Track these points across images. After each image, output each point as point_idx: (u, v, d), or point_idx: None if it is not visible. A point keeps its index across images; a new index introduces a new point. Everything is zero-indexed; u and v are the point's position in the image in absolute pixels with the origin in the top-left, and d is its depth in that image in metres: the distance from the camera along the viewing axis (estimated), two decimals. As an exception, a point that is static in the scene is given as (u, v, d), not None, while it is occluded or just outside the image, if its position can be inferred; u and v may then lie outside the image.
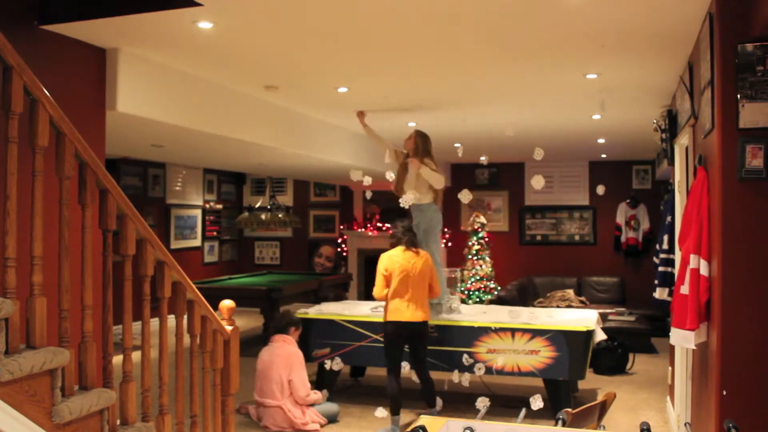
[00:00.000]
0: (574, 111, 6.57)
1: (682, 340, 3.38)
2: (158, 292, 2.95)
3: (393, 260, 5.40)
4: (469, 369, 5.56)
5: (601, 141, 8.74)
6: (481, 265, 10.05)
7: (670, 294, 4.66)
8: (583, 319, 5.86)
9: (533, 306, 9.24)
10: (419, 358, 5.45)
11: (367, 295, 11.64)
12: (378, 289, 5.40)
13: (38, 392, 2.26)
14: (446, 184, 6.05)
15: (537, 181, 4.94)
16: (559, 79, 5.22)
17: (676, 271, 4.22)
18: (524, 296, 9.60)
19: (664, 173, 7.44)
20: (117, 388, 2.70)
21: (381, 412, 5.44)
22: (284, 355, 5.51)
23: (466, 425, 2.41)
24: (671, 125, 5.30)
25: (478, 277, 9.99)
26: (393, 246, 5.51)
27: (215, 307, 3.40)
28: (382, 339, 5.61)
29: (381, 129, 7.86)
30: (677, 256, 4.21)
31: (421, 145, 5.94)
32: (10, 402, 2.14)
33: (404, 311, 5.32)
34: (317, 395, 5.62)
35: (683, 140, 4.60)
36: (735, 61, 3.04)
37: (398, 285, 5.32)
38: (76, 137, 2.51)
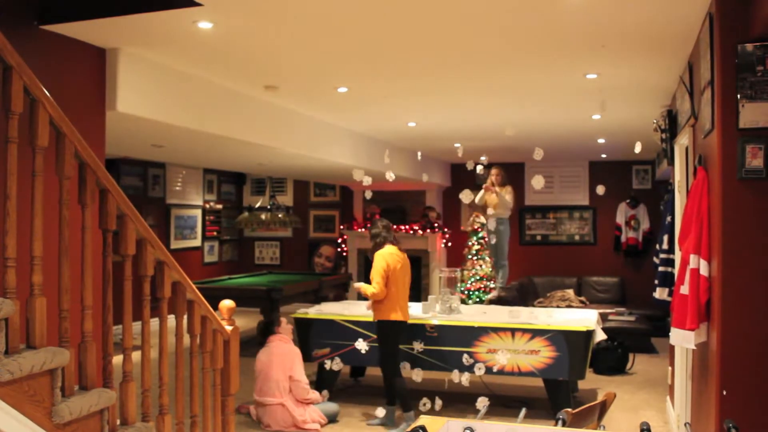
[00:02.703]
0: (574, 111, 6.57)
1: (682, 340, 3.38)
2: (158, 292, 2.95)
3: (393, 259, 5.43)
4: (469, 369, 5.56)
5: (601, 141, 8.73)
6: (481, 265, 10.04)
7: (670, 294, 4.66)
8: (583, 319, 5.87)
9: (533, 306, 9.23)
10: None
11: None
12: (381, 288, 5.32)
13: (38, 392, 2.26)
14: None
15: (537, 181, 4.94)
16: (559, 79, 5.21)
17: (676, 271, 4.22)
18: (524, 296, 9.59)
19: (664, 173, 7.43)
20: (117, 388, 2.70)
21: (381, 412, 5.44)
22: (282, 354, 5.52)
23: (466, 425, 2.40)
24: (671, 125, 5.30)
25: (478, 277, 9.98)
26: (379, 245, 5.51)
27: (215, 307, 3.40)
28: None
29: (381, 129, 7.88)
30: (677, 256, 4.21)
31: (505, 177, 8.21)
32: (10, 402, 2.14)
33: (405, 310, 5.45)
34: (316, 394, 5.62)
35: (683, 140, 4.60)
36: (735, 61, 3.04)
37: (398, 284, 5.39)
38: (76, 137, 2.51)
